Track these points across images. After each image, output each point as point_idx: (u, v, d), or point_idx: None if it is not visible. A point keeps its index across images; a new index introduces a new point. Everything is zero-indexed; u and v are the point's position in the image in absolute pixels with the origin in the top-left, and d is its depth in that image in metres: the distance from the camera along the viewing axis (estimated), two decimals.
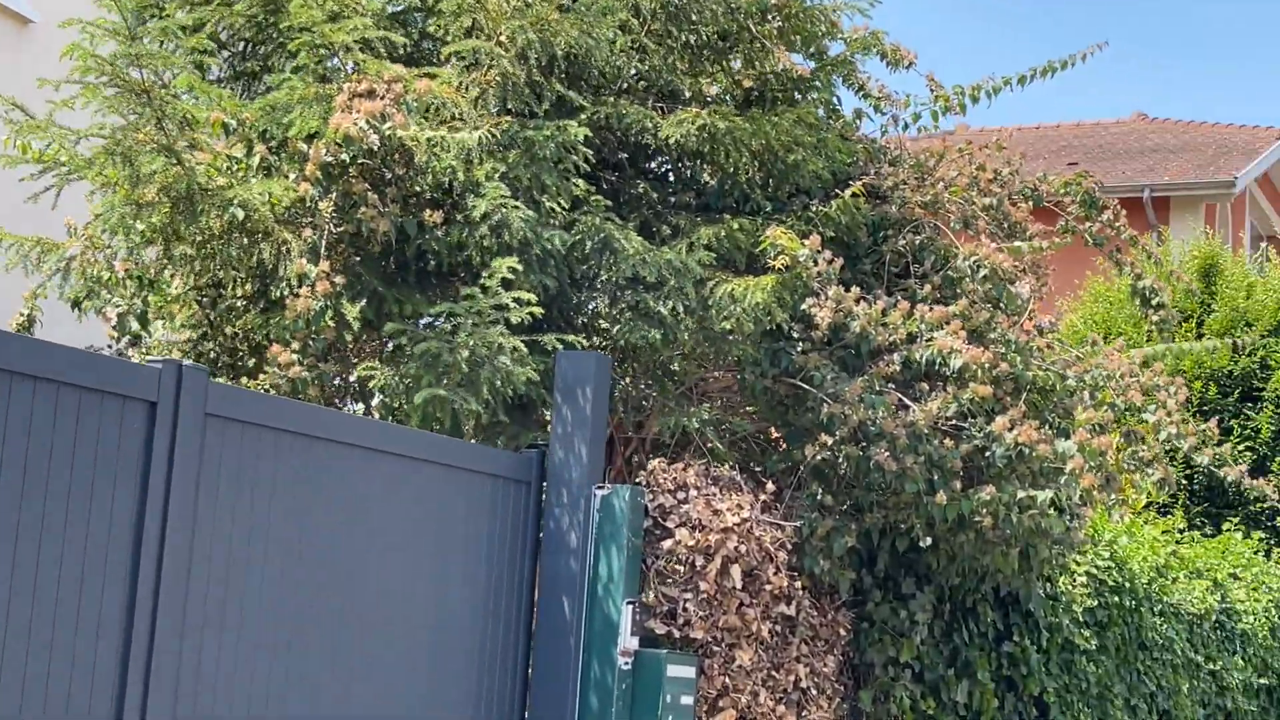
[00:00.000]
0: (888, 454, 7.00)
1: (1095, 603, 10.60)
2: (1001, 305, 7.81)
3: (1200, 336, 18.90)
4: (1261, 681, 14.95)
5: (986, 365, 7.00)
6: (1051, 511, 8.41)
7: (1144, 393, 7.87)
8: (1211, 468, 8.57)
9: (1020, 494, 7.30)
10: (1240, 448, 18.33)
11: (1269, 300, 18.95)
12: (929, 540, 7.58)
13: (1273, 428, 18.39)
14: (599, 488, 6.65)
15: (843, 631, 7.79)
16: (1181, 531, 15.15)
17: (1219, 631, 14.24)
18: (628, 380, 7.59)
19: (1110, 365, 7.82)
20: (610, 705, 6.47)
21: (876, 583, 8.33)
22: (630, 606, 6.54)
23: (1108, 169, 23.11)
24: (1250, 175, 22.67)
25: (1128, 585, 11.15)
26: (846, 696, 8.28)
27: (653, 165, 7.95)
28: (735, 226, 7.13)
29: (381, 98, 6.14)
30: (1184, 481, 18.34)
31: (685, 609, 6.72)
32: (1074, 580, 10.37)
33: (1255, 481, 9.25)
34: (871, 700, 8.34)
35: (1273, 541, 17.89)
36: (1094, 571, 10.61)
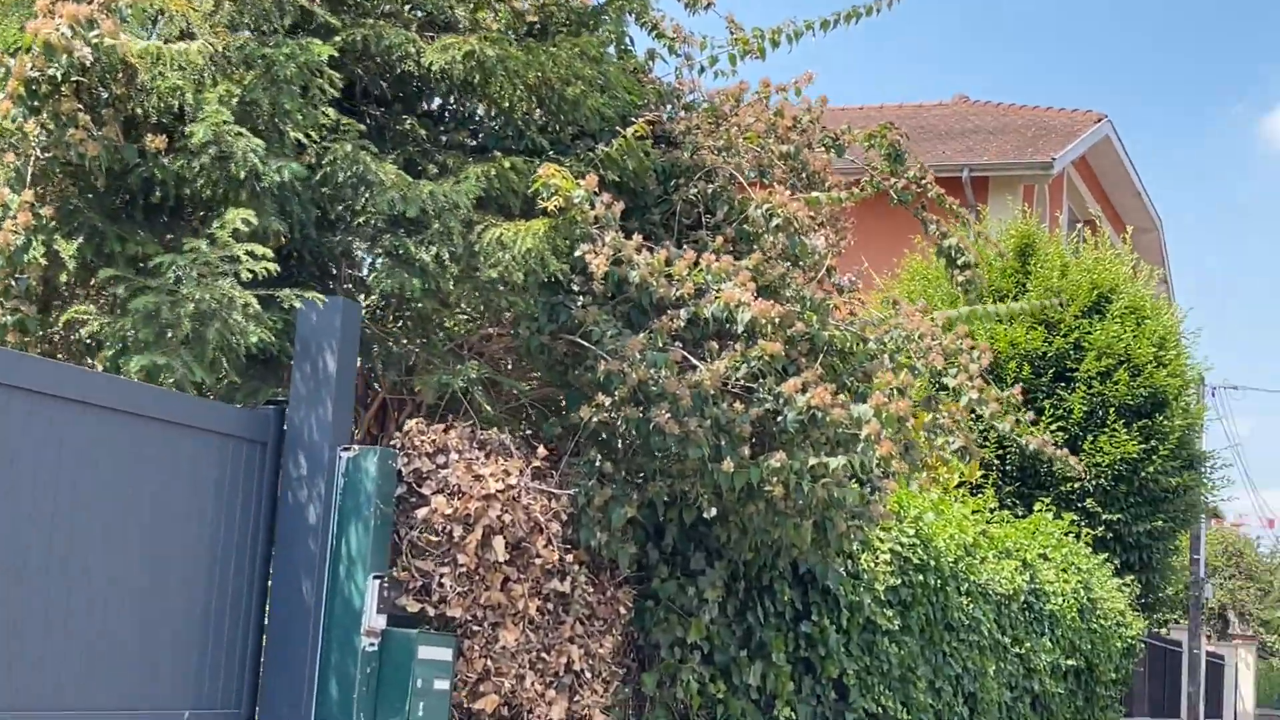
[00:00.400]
0: (669, 416, 6.42)
1: (899, 581, 10.18)
2: (800, 262, 7.28)
3: (1015, 318, 18.75)
4: (1069, 663, 14.76)
5: (777, 320, 6.45)
6: (853, 484, 7.95)
7: (946, 357, 7.40)
8: (1014, 436, 8.11)
9: (812, 461, 6.77)
10: (1053, 428, 18.20)
11: (1083, 281, 18.86)
12: (714, 511, 7.04)
13: (1084, 408, 18.30)
14: (345, 450, 5.98)
15: (623, 610, 7.21)
16: (992, 511, 14.89)
17: (1027, 613, 13.99)
18: (395, 336, 6.91)
19: (910, 326, 7.33)
20: (351, 692, 5.80)
21: (663, 557, 7.77)
22: (377, 582, 5.88)
23: (928, 149, 22.93)
24: (1068, 157, 22.65)
25: (933, 564, 10.75)
26: (629, 679, 7.71)
27: (424, 102, 7.26)
28: (508, 165, 6.47)
29: (89, 1, 5.38)
30: (996, 461, 18.19)
31: (441, 584, 6.07)
32: (877, 557, 9.93)
33: (1059, 452, 8.87)
34: (656, 683, 7.78)
35: (1083, 523, 17.80)
36: (898, 549, 10.19)
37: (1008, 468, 18.27)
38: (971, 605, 12.04)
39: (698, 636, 7.80)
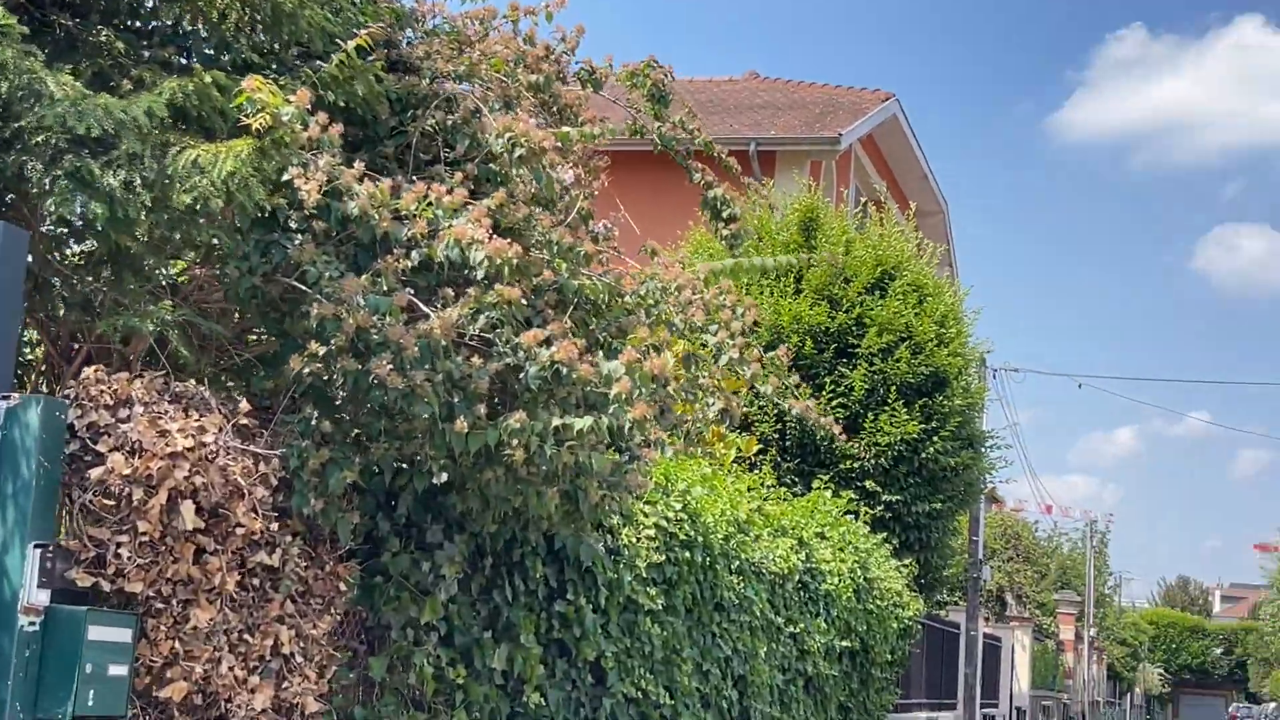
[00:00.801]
0: (391, 368, 5.70)
1: (664, 558, 9.61)
2: (550, 207, 6.61)
3: (799, 292, 18.39)
4: (844, 644, 14.39)
5: (515, 262, 5.78)
6: (611, 452, 7.33)
7: (708, 312, 6.81)
8: (776, 399, 7.57)
9: (556, 422, 6.12)
10: (834, 405, 17.88)
11: (867, 257, 18.57)
12: (445, 477, 6.35)
13: (865, 386, 18.02)
14: (2, 399, 5.14)
15: (344, 586, 6.47)
16: (769, 488, 14.46)
17: (802, 593, 13.58)
18: (79, 272, 6.07)
19: (668, 276, 6.72)
20: (6, 679, 4.98)
21: (395, 529, 7.05)
22: (39, 551, 5.06)
23: (716, 123, 22.52)
24: (856, 134, 22.42)
25: (701, 540, 10.21)
26: (355, 664, 6.98)
27: (124, 13, 6.41)
28: (208, 80, 5.67)
29: None
30: (775, 437, 17.82)
31: (119, 555, 5.27)
32: (640, 533, 9.33)
33: (825, 420, 8.38)
34: (386, 668, 7.06)
35: (862, 502, 17.51)
36: (664, 524, 9.61)
37: (787, 444, 17.91)
38: (743, 584, 11.56)
39: (433, 616, 7.11)
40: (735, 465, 14.45)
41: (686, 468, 10.65)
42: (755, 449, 14.94)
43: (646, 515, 9.46)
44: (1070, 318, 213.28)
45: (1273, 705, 57.77)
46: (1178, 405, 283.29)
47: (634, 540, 9.17)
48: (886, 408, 18.02)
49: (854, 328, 18.25)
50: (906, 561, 17.36)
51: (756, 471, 15.99)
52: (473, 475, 6.46)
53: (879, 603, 15.57)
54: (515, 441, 6.19)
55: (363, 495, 6.86)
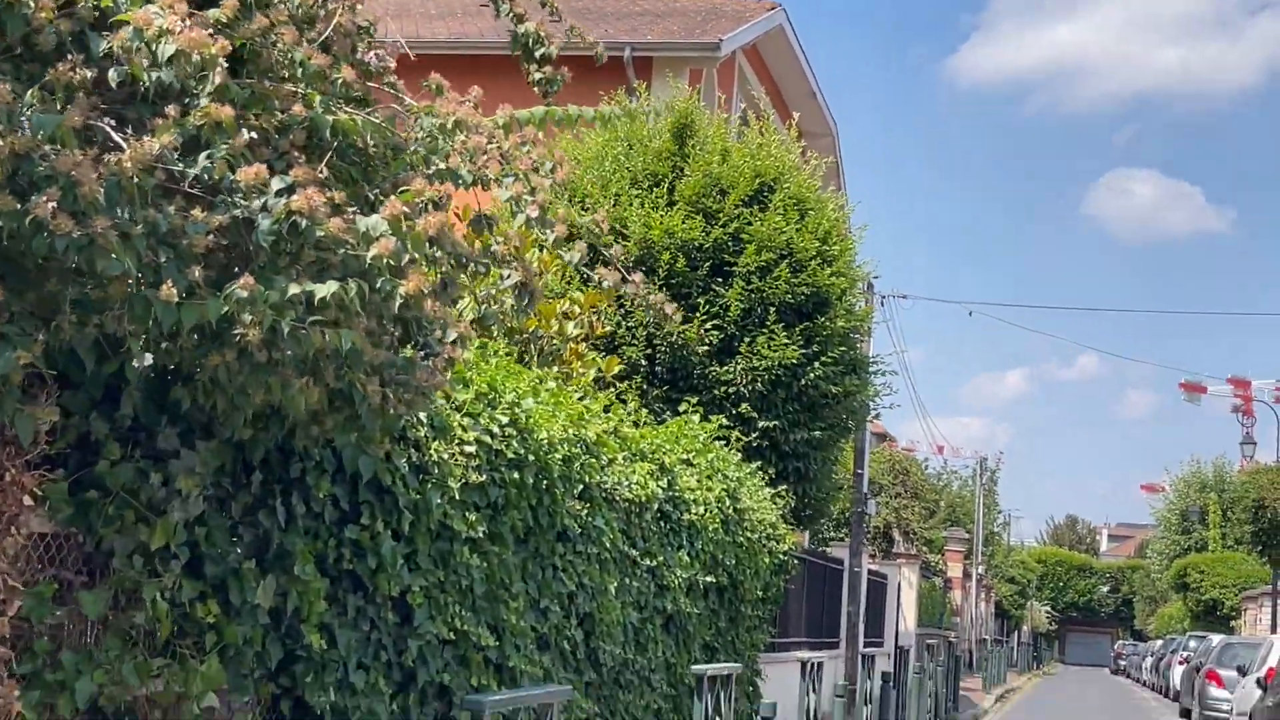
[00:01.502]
0: (56, 207, 4.33)
1: (485, 479, 8.32)
2: (304, 23, 5.24)
3: (671, 205, 17.10)
4: (710, 580, 13.21)
5: (221, 61, 4.41)
6: (409, 349, 6.01)
7: (504, 161, 5.48)
8: (582, 269, 6.29)
9: (293, 290, 4.78)
10: (708, 327, 16.66)
11: (745, 168, 17.30)
12: (149, 359, 5.01)
13: (742, 306, 16.80)
14: None
15: (29, 501, 5.10)
16: (630, 410, 13.21)
17: (662, 523, 12.36)
18: None
19: (445, 110, 5.39)
20: None
21: (116, 432, 5.68)
22: None
23: (590, 28, 21.07)
24: (737, 41, 21.12)
25: (533, 459, 8.92)
26: (66, 598, 5.62)
27: None
28: None
29: None
30: (644, 361, 16.58)
31: None
32: (458, 448, 8.02)
33: (668, 307, 7.11)
34: (109, 604, 5.71)
35: (737, 428, 16.34)
36: (487, 439, 8.31)
37: (657, 368, 16.67)
38: (590, 512, 10.31)
39: (168, 541, 5.77)
40: (595, 387, 13.17)
41: (514, 375, 9.35)
42: (616, 369, 13.67)
43: (466, 429, 8.15)
44: (963, 259, 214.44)
45: (1159, 643, 57.87)
46: (1069, 349, 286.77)
47: (446, 456, 7.86)
48: (764, 330, 16.82)
49: (730, 244, 17.00)
50: (782, 491, 16.21)
51: (620, 395, 14.76)
52: (198, 361, 5.11)
53: (750, 535, 14.41)
54: (248, 317, 4.85)
55: (75, 389, 5.50)
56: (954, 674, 27.87)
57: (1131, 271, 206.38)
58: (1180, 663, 40.00)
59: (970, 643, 57.25)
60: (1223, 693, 26.52)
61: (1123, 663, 74.82)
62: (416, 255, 5.08)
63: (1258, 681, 20.03)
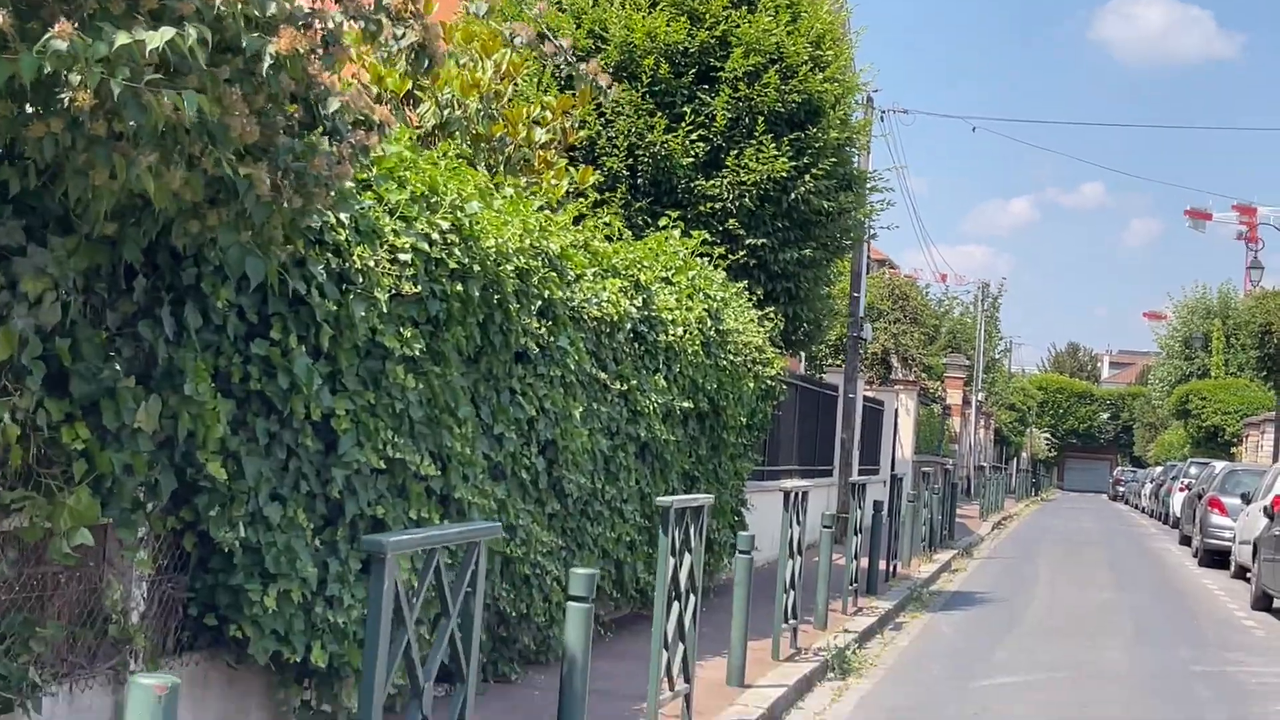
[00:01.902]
0: None
1: (423, 290, 7.43)
2: None
3: (655, 5, 15.96)
4: (688, 406, 12.40)
5: None
6: (317, 135, 5.10)
7: None
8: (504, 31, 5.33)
9: (121, 40, 3.85)
10: (693, 138, 15.65)
11: None
12: None
13: (729, 115, 15.77)
14: None
15: None
16: (604, 224, 12.29)
17: (637, 344, 11.50)
18: None
19: None
20: None
21: None
22: None
23: None
24: None
25: (479, 270, 8.01)
26: None
27: None
28: None
29: None
30: (626, 173, 15.60)
31: None
32: (386, 254, 7.11)
33: (607, 85, 6.15)
34: None
35: (723, 245, 15.43)
36: (424, 246, 7.40)
37: (639, 181, 15.69)
38: (553, 332, 9.45)
39: (11, 353, 4.90)
40: (570, 201, 12.22)
41: (457, 174, 8.40)
42: (591, 180, 12.70)
43: (399, 234, 7.24)
44: (968, 81, 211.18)
45: (1158, 469, 57.59)
46: (1072, 176, 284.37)
47: (374, 263, 6.95)
48: (753, 141, 15.80)
49: (717, 47, 15.90)
50: (770, 313, 15.35)
51: (597, 205, 13.83)
52: (17, 133, 4.19)
53: (734, 359, 13.57)
54: (75, 78, 3.92)
55: None
56: (950, 502, 27.28)
57: (1139, 98, 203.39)
58: (1181, 490, 39.51)
59: (969, 470, 56.91)
60: (1225, 520, 25.93)
61: (1121, 489, 74.74)
62: (287, 3, 4.12)
63: (1265, 510, 19.34)
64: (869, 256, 37.29)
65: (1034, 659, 13.31)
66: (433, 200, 7.74)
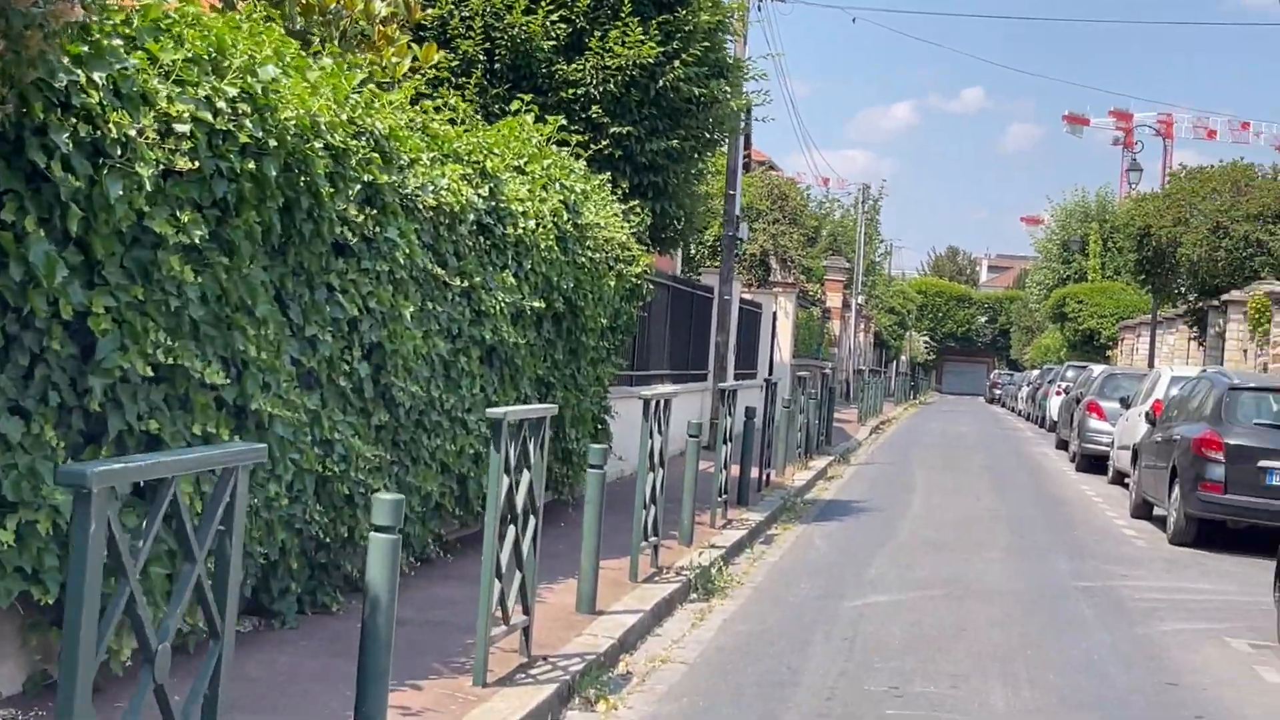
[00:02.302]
0: None
1: (209, 168, 6.34)
2: None
3: None
4: (539, 306, 11.39)
5: None
6: None
7: None
8: None
9: None
10: (554, 19, 14.53)
11: None
12: None
13: None
14: None
15: None
16: (443, 107, 11.20)
17: (482, 238, 10.45)
18: None
19: None
20: None
21: None
22: None
23: None
24: None
25: (277, 146, 6.91)
26: None
27: None
28: None
29: None
30: (482, 56, 14.46)
31: None
32: (151, 123, 5.99)
33: None
34: None
35: (587, 134, 14.40)
36: (206, 116, 6.29)
37: (496, 65, 14.55)
38: (380, 221, 8.38)
39: None
40: (411, 79, 11.07)
41: (257, 38, 7.27)
42: (436, 58, 11.58)
43: (174, 101, 6.12)
44: None
45: (1035, 372, 57.64)
46: (955, 82, 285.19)
47: (134, 134, 5.84)
48: (617, 22, 14.72)
49: None
50: (636, 207, 14.37)
51: (441, 89, 12.74)
52: None
53: (593, 255, 12.58)
54: None
55: None
56: (828, 407, 26.62)
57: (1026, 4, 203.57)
58: (1058, 393, 39.32)
59: (848, 374, 56.58)
60: (1103, 425, 25.53)
61: (998, 392, 75.03)
62: None
63: (1146, 416, 18.81)
64: (748, 156, 36.34)
65: (910, 574, 12.59)
66: (220, 64, 6.62)
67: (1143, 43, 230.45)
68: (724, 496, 14.51)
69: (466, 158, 10.34)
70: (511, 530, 7.57)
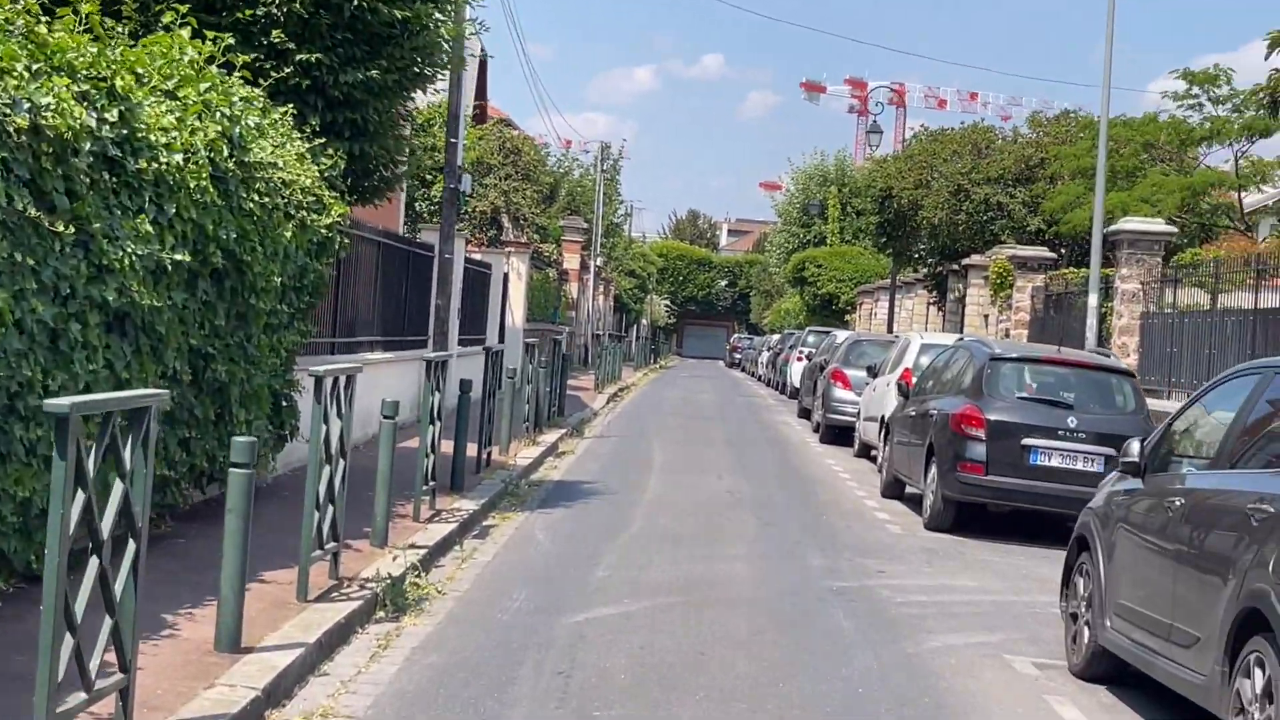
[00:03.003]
0: None
1: None
2: None
3: None
4: (183, 259, 9.19)
5: None
6: None
7: None
8: None
9: None
10: None
11: None
12: None
13: None
14: None
15: None
16: (75, 13, 8.94)
17: (107, 173, 8.24)
18: None
19: None
20: None
21: None
22: None
23: None
24: None
25: None
26: None
27: None
28: None
29: None
30: None
31: None
32: None
33: None
34: None
35: (269, 62, 12.23)
36: None
37: None
38: None
39: None
40: None
41: None
42: None
43: None
44: None
45: (775, 337, 56.88)
46: (694, 48, 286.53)
47: None
48: None
49: None
50: (321, 144, 12.26)
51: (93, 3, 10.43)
52: None
53: (263, 201, 10.43)
54: None
55: None
56: (560, 375, 24.82)
57: None
58: (799, 359, 38.32)
59: (586, 339, 54.97)
60: (849, 394, 24.27)
61: (738, 356, 74.46)
62: None
63: (899, 388, 17.38)
64: (481, 107, 34.24)
65: (644, 576, 10.84)
66: None
67: (877, 7, 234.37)
68: (430, 484, 12.55)
69: (86, 72, 8.13)
70: (94, 563, 5.49)
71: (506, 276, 31.47)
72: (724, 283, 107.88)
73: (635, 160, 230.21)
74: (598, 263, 57.26)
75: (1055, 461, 13.75)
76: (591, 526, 13.23)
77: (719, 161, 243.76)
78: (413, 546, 10.78)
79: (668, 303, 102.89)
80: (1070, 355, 15.13)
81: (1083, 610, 8.52)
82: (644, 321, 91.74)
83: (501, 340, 29.25)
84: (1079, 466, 13.70)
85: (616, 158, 61.21)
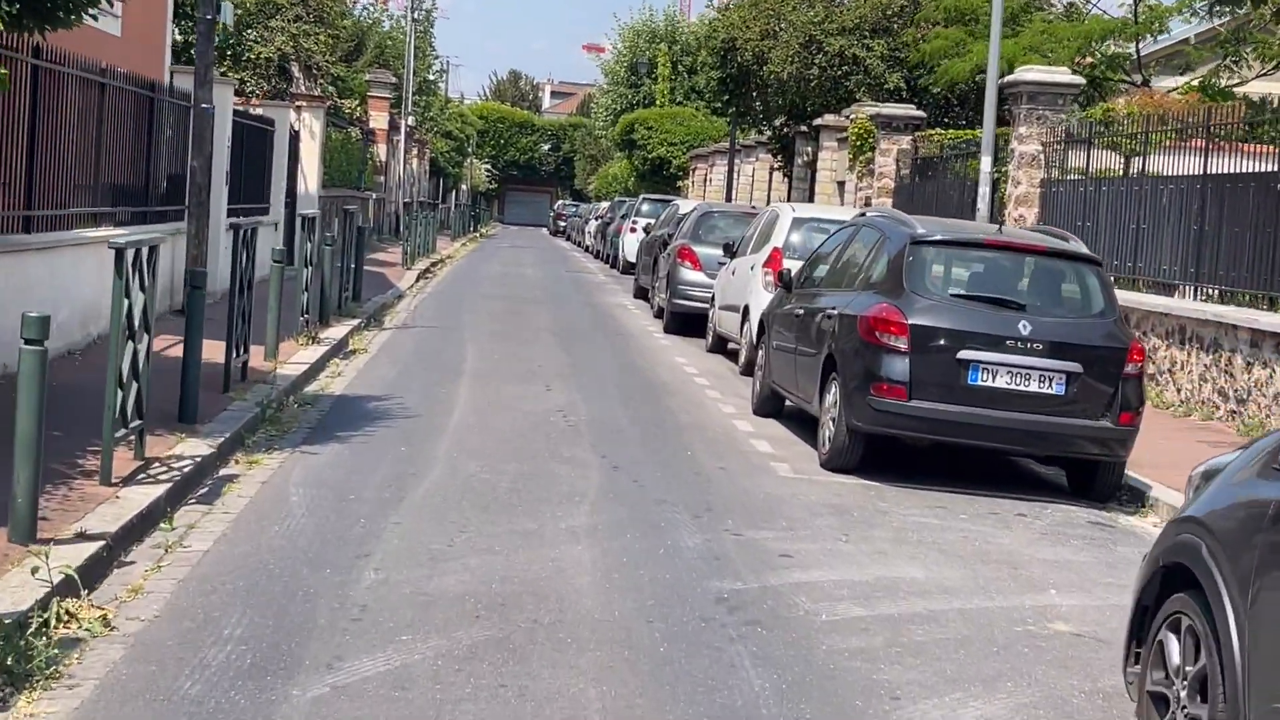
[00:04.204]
0: None
1: None
2: None
3: None
4: None
5: None
6: None
7: None
8: None
9: None
10: None
11: None
12: None
13: None
14: None
15: None
16: None
17: None
18: None
19: None
20: None
21: None
22: None
23: None
24: None
25: None
26: None
27: None
28: None
29: None
30: None
31: None
32: None
33: None
34: None
35: None
36: None
37: None
38: None
39: None
40: None
41: None
42: None
43: None
44: None
45: (605, 204, 52.95)
46: None
47: None
48: None
49: None
50: None
51: None
52: None
53: None
54: None
55: None
56: (357, 253, 20.80)
57: None
58: (632, 230, 34.63)
59: (398, 205, 50.47)
60: (700, 276, 20.60)
61: (563, 224, 70.36)
62: None
63: (779, 275, 13.57)
64: None
65: (433, 582, 7.11)
66: None
67: None
68: (136, 423, 8.61)
69: None
70: None
71: (297, 135, 27.08)
72: (547, 146, 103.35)
73: (454, 20, 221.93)
74: (410, 122, 52.58)
75: (1002, 381, 10.19)
76: (369, 477, 9.43)
77: (539, 23, 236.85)
78: (82, 536, 6.92)
79: (488, 167, 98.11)
80: (1016, 237, 11.51)
81: (1183, 696, 4.98)
82: (463, 187, 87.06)
83: (298, 208, 25.01)
84: (1033, 387, 10.19)
85: (430, 8, 56.34)
